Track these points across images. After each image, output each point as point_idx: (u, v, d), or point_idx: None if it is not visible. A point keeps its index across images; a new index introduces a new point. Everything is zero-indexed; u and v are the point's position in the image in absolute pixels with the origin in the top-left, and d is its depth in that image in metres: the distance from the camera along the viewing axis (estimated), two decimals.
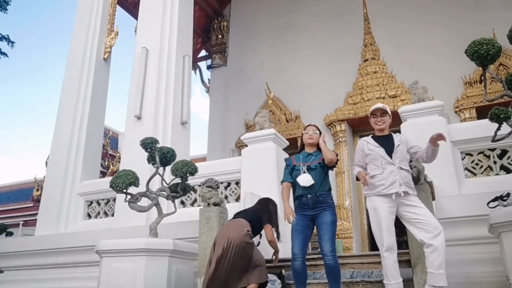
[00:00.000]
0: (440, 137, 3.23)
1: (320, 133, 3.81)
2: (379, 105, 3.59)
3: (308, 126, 3.88)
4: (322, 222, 3.39)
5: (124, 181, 4.59)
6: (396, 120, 5.51)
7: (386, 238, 3.18)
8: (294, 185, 3.64)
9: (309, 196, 3.47)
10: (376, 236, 3.29)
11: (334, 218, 3.43)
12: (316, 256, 4.13)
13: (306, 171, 3.52)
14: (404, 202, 3.25)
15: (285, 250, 5.10)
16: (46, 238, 6.60)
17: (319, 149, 3.74)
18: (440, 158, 4.84)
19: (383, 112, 3.53)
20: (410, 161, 3.52)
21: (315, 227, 3.53)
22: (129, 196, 4.72)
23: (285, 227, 3.67)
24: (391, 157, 3.33)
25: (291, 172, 3.67)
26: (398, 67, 8.89)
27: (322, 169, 3.56)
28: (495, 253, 4.01)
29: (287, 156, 6.12)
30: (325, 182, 3.56)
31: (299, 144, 3.98)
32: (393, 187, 3.23)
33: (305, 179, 3.49)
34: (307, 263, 4.25)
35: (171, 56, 7.01)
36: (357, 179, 3.48)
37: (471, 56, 3.90)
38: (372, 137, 3.56)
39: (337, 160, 3.65)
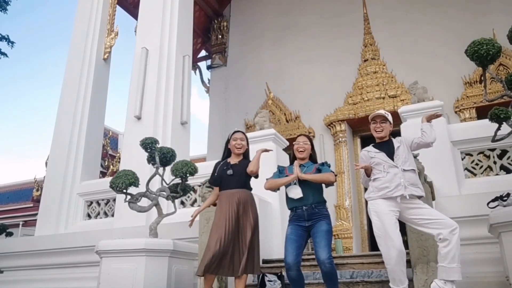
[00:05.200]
0: (435, 116, 3.41)
1: (312, 144, 3.70)
2: (380, 111, 3.51)
3: (299, 136, 3.76)
4: (317, 231, 3.32)
5: (124, 181, 4.59)
6: (396, 120, 5.51)
7: (395, 241, 3.07)
8: (287, 195, 3.53)
9: (304, 208, 3.39)
10: (380, 241, 3.18)
11: (329, 227, 3.37)
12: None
13: (296, 182, 3.42)
14: (409, 206, 3.17)
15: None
16: (46, 239, 6.60)
17: (311, 159, 3.67)
18: (440, 158, 4.88)
19: (383, 119, 3.45)
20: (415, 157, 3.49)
21: (310, 238, 3.45)
22: (129, 196, 4.72)
23: (282, 234, 3.64)
24: (393, 160, 3.28)
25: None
26: (398, 67, 8.90)
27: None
28: (495, 253, 4.01)
29: (286, 156, 6.13)
30: (319, 194, 3.46)
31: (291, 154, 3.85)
32: (398, 189, 3.16)
33: (294, 191, 3.40)
34: (307, 263, 4.27)
35: (171, 56, 7.01)
36: (367, 175, 3.40)
37: (471, 56, 3.90)
38: (373, 145, 3.51)
39: (335, 181, 3.49)
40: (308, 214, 3.38)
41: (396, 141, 3.41)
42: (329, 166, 3.58)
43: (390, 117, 3.49)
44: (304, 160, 3.63)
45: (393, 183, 3.18)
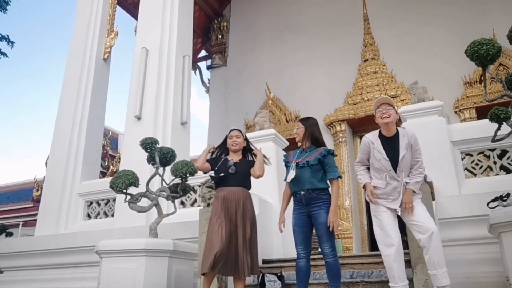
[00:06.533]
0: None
1: (306, 127, 3.69)
2: (386, 97, 3.41)
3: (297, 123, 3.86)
4: (318, 223, 3.33)
5: (124, 182, 4.59)
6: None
7: (393, 238, 3.09)
8: None
9: (302, 193, 3.41)
10: (378, 238, 3.19)
11: None
12: (316, 256, 4.13)
13: (294, 168, 3.47)
14: None
15: (284, 250, 5.11)
16: (46, 239, 6.60)
17: (314, 144, 3.62)
18: (440, 158, 4.87)
19: (389, 105, 3.33)
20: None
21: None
22: (129, 197, 4.72)
23: (287, 227, 3.64)
24: (396, 170, 3.18)
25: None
26: (398, 67, 8.90)
27: (312, 167, 3.41)
28: (495, 253, 4.01)
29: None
30: (317, 179, 3.40)
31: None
32: (394, 203, 3.16)
33: (288, 175, 3.49)
34: None
35: (171, 56, 7.01)
36: (363, 186, 3.37)
37: (471, 56, 3.90)
38: (378, 136, 3.33)
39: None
40: (306, 199, 3.40)
41: (402, 144, 3.23)
42: (332, 154, 3.53)
43: (394, 105, 3.39)
44: (307, 144, 3.63)
45: (391, 197, 3.19)
